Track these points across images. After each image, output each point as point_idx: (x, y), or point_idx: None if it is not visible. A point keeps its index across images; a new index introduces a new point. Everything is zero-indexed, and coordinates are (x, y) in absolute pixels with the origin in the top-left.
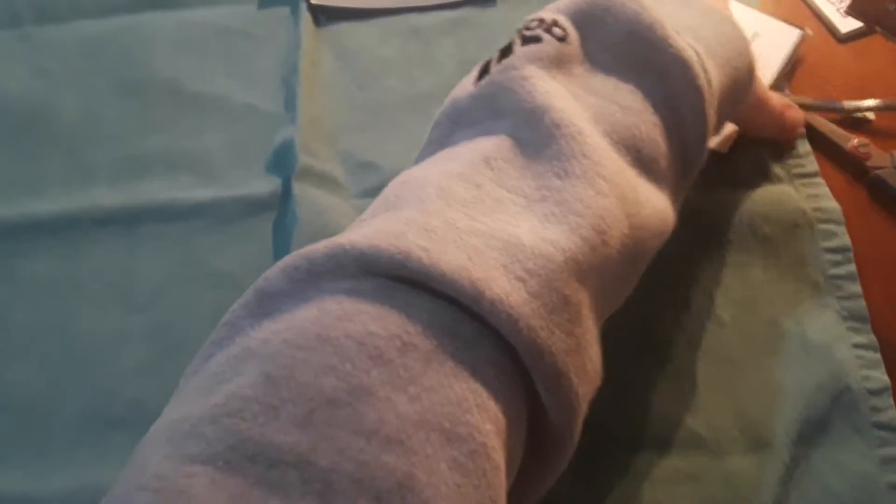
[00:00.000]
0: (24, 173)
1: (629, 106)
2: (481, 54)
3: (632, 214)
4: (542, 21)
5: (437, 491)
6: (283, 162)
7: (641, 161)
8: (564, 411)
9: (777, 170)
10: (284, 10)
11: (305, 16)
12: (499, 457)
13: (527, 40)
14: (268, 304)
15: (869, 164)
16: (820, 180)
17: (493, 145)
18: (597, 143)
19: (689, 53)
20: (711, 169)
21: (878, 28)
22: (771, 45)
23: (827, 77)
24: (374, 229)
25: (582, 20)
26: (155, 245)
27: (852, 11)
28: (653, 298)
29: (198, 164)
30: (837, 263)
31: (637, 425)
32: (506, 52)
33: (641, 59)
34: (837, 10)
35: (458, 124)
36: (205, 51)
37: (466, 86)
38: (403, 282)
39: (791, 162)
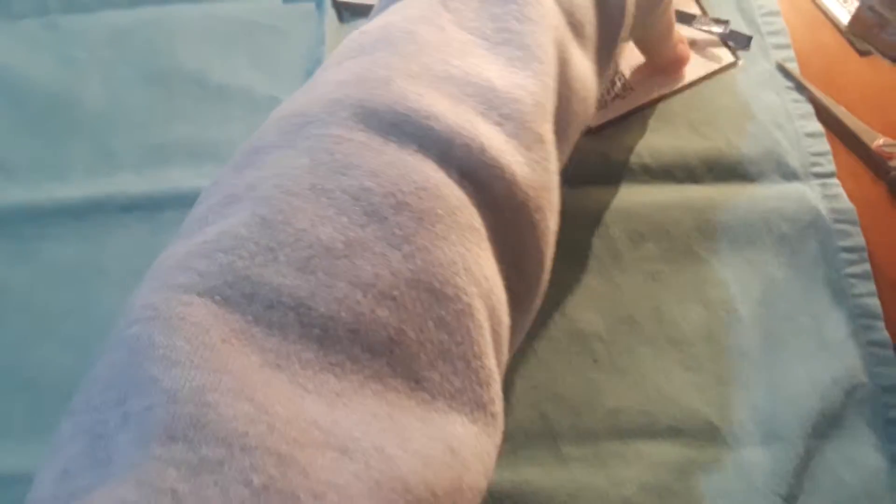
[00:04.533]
0: (50, 159)
1: None
2: None
3: (561, 72)
4: None
5: (423, 347)
6: None
7: (574, 25)
8: (538, 248)
9: (794, 165)
10: (309, 6)
11: (329, 12)
12: (482, 316)
13: None
14: (254, 158)
15: (892, 163)
16: (836, 181)
17: None
18: None
19: None
20: (727, 162)
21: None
22: (701, 58)
23: (845, 87)
24: (358, 76)
25: None
26: (178, 231)
27: (850, 34)
28: (671, 292)
29: (221, 154)
30: (852, 262)
31: (653, 415)
32: None
33: None
34: None
35: None
36: (230, 43)
37: None
38: (394, 128)
39: (809, 160)
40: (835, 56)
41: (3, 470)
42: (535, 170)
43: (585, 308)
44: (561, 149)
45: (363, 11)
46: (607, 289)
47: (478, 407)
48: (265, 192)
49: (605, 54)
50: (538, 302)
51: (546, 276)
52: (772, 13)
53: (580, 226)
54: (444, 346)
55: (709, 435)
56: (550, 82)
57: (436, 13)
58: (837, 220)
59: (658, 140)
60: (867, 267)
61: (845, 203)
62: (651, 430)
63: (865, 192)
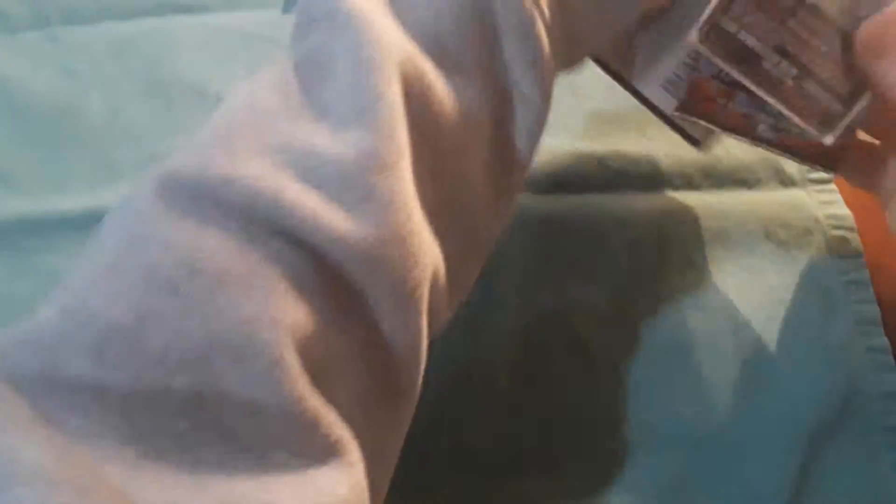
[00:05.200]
0: (49, 170)
1: None
2: None
3: (417, 107)
4: None
5: (227, 408)
6: None
7: (440, 52)
8: (401, 305)
9: (791, 172)
10: None
11: None
12: (297, 365)
13: None
14: (91, 244)
15: None
16: (833, 187)
17: (303, 53)
18: (385, 29)
19: None
20: (724, 169)
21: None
22: None
23: None
24: (182, 150)
25: None
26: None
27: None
28: (669, 299)
29: None
30: (850, 269)
31: (654, 424)
32: None
33: None
34: None
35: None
36: (229, 55)
37: None
38: (195, 199)
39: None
40: None
41: None
42: (363, 224)
43: (584, 317)
44: (450, 184)
45: None
46: (606, 297)
47: (308, 445)
48: (75, 276)
49: (511, 70)
50: (406, 409)
51: (423, 319)
52: None
53: (577, 235)
54: (256, 403)
55: (709, 443)
56: (391, 126)
57: (285, 80)
58: (835, 227)
59: (655, 147)
60: (865, 273)
61: (843, 209)
62: (652, 440)
63: (862, 199)
